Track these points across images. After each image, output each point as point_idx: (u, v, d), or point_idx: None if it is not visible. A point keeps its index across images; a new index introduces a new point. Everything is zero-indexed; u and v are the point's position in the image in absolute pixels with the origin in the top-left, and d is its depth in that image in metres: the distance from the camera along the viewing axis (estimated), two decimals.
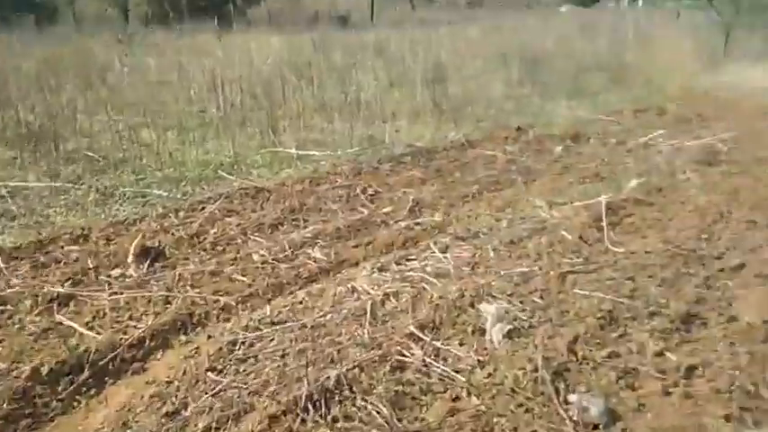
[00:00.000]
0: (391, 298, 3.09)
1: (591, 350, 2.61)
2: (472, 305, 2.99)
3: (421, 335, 2.73)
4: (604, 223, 3.95)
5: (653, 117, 7.84)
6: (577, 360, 2.54)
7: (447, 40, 12.45)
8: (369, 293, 3.13)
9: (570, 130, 6.86)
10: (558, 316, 2.90)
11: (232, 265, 3.59)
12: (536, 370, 2.43)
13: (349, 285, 3.24)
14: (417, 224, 4.18)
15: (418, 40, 12.06)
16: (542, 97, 9.05)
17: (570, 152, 6.06)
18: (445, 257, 3.59)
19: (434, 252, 3.66)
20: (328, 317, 2.92)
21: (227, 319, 2.99)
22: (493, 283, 3.21)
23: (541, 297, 3.09)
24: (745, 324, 2.70)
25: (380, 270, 3.41)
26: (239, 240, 3.95)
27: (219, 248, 3.85)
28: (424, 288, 3.18)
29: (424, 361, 2.55)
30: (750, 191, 4.65)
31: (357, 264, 3.60)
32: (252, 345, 2.71)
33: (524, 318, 2.88)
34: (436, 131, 6.90)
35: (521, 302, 3.03)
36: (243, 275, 3.44)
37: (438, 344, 2.68)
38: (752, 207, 4.27)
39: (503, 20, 20.11)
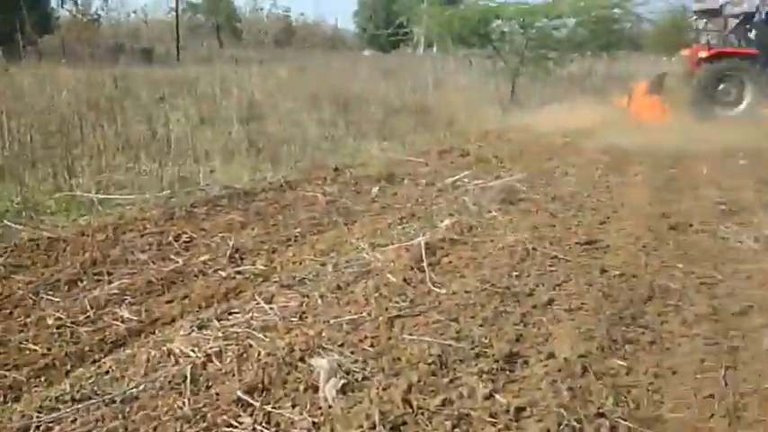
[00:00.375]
0: (214, 359, 2.83)
1: (425, 398, 2.58)
2: (303, 360, 2.84)
3: (250, 399, 2.52)
4: (425, 264, 4.04)
5: (457, 158, 8.33)
6: (413, 411, 2.49)
7: (259, 79, 12.32)
8: (188, 356, 2.85)
9: (384, 170, 7.05)
10: (391, 364, 2.85)
11: (21, 331, 3.10)
12: (373, 427, 2.34)
13: (164, 348, 2.92)
14: (239, 273, 3.96)
15: (229, 77, 11.82)
16: (356, 138, 9.26)
17: (386, 193, 6.21)
18: (271, 308, 3.41)
19: (259, 303, 3.46)
20: (141, 387, 2.59)
21: (17, 399, 2.55)
22: (323, 334, 3.09)
23: (372, 345, 3.03)
24: (562, 360, 2.84)
25: (200, 327, 3.13)
26: (29, 301, 3.44)
27: (5, 312, 3.32)
28: (251, 345, 2.96)
29: (254, 430, 2.34)
30: (548, 228, 5.06)
31: (173, 322, 3.28)
32: (49, 429, 2.32)
33: (357, 369, 2.79)
34: (253, 172, 6.71)
35: (352, 353, 2.94)
36: (35, 343, 2.98)
37: (269, 408, 2.48)
38: (552, 243, 4.63)
39: (311, 61, 20.54)
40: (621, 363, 2.94)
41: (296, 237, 4.74)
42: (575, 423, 2.40)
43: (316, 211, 5.46)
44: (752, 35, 11.62)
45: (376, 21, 47.81)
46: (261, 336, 3.07)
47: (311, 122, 9.66)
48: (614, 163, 8.18)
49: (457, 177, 6.73)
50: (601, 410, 2.51)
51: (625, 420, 2.48)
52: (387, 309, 3.41)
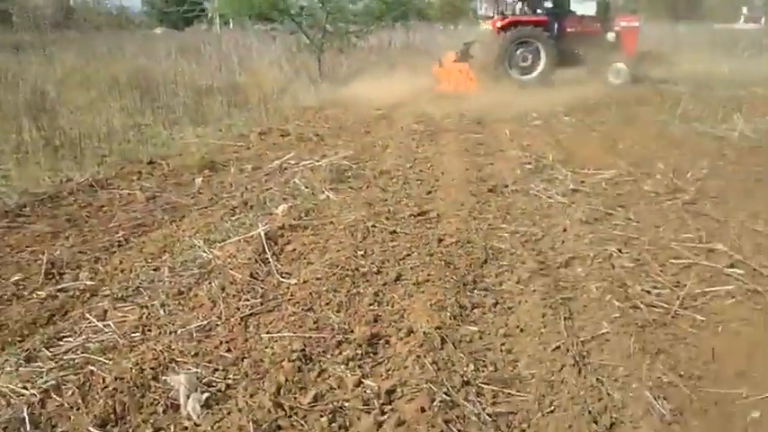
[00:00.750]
0: (53, 394, 2.51)
1: (296, 397, 2.52)
2: (156, 378, 2.62)
3: None
4: (269, 255, 3.91)
5: (278, 139, 8.14)
6: (286, 413, 2.42)
7: (43, 68, 11.04)
8: (21, 394, 2.50)
9: (205, 158, 6.67)
10: (253, 367, 2.73)
11: None
12: None
13: None
14: (61, 290, 3.54)
15: (5, 67, 10.43)
16: (166, 125, 8.69)
17: (211, 183, 5.91)
18: (107, 326, 3.10)
19: (92, 322, 3.14)
20: None
21: None
22: (172, 347, 2.87)
23: (229, 350, 2.89)
24: (422, 335, 2.91)
25: (28, 360, 2.77)
26: None
27: None
28: (92, 371, 2.67)
29: None
30: (382, 203, 5.14)
31: None
32: None
33: (218, 379, 2.64)
34: (55, 173, 6.01)
35: (209, 362, 2.77)
36: None
37: None
38: (388, 218, 4.72)
39: (99, 43, 18.89)
40: (473, 328, 3.09)
41: (119, 242, 4.34)
42: (444, 396, 2.48)
43: (136, 211, 5.04)
44: (546, 4, 12.59)
45: None
46: (102, 359, 2.78)
47: (114, 112, 8.88)
48: (428, 132, 8.54)
49: (283, 160, 6.59)
50: (465, 379, 2.63)
51: (488, 384, 2.61)
52: (237, 309, 3.26)
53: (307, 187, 5.55)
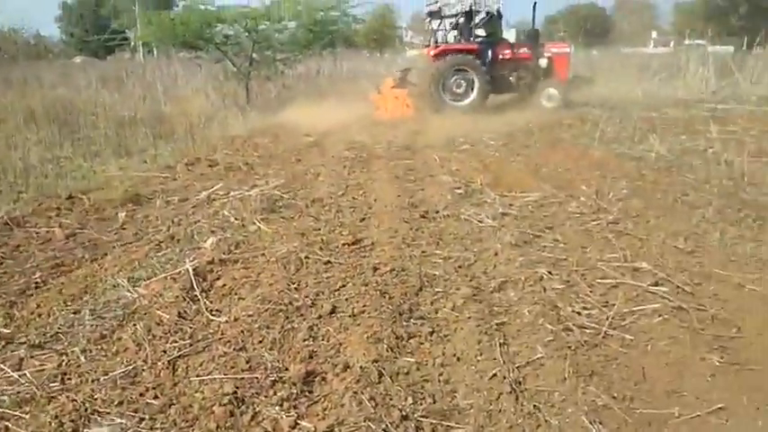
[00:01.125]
0: None
1: None
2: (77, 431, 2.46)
3: None
4: (198, 293, 3.77)
5: (205, 169, 7.97)
6: None
7: None
8: None
9: (128, 191, 6.44)
10: (182, 414, 2.59)
11: None
12: None
13: None
14: None
15: None
16: (87, 158, 8.35)
17: (136, 217, 5.68)
18: (23, 375, 2.89)
19: (6, 371, 2.92)
20: None
21: None
22: (95, 396, 2.70)
23: (156, 396, 2.73)
24: (358, 369, 2.85)
25: None
26: None
27: None
28: (7, 427, 2.48)
29: None
30: (315, 233, 5.06)
31: None
32: None
33: (145, 429, 2.50)
34: None
35: (135, 411, 2.62)
36: None
37: None
38: (322, 248, 4.65)
39: (14, 72, 18.16)
40: (411, 359, 3.05)
41: (36, 284, 4.08)
42: None
43: (55, 249, 4.77)
44: (479, 32, 12.89)
45: (83, 25, 44.17)
46: (17, 413, 2.58)
47: (30, 145, 8.48)
48: (359, 160, 8.57)
49: (211, 190, 6.43)
50: (404, 413, 2.57)
51: (427, 417, 2.57)
52: (164, 351, 3.11)
53: (236, 219, 5.42)
